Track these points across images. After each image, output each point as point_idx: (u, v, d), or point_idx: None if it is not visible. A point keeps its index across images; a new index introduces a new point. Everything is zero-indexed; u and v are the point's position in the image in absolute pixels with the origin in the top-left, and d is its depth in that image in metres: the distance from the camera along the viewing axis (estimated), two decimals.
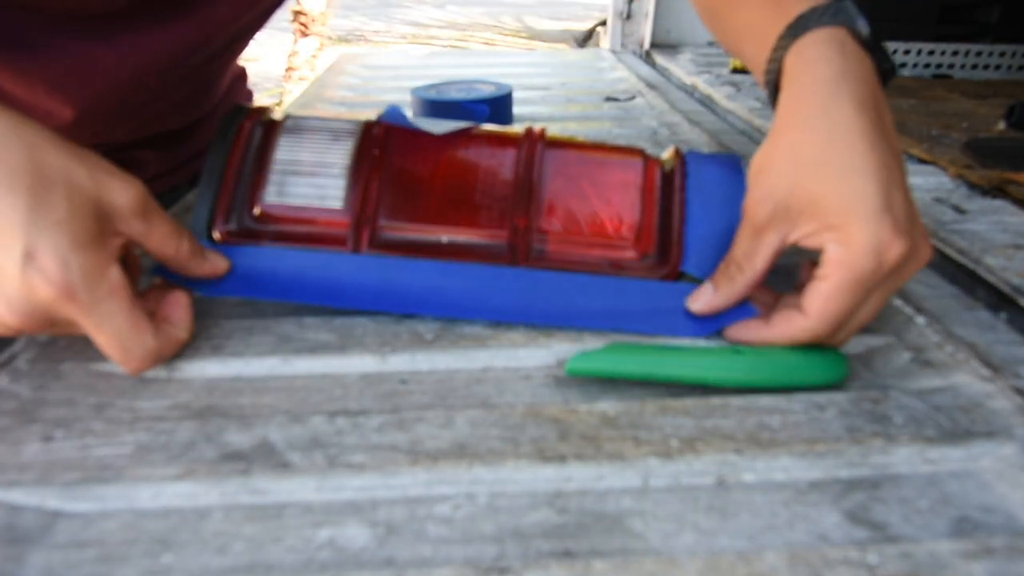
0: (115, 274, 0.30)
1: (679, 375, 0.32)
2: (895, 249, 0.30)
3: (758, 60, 0.37)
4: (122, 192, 0.30)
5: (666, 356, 0.32)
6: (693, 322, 0.36)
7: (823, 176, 0.31)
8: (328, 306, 0.37)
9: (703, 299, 0.35)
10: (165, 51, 0.45)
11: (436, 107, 0.70)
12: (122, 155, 0.52)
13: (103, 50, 0.43)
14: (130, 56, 0.44)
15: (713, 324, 0.36)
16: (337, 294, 0.37)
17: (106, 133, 0.49)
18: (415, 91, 0.73)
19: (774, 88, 0.36)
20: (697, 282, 0.38)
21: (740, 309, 0.36)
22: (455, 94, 0.71)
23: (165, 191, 0.55)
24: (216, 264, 0.36)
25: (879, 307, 0.32)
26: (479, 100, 0.69)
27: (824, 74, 0.32)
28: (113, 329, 0.29)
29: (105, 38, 0.42)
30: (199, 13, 0.45)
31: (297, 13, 3.53)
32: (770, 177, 0.33)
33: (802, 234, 0.32)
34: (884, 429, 0.29)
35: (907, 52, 1.03)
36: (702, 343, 0.35)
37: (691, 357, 0.32)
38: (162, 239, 0.32)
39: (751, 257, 0.34)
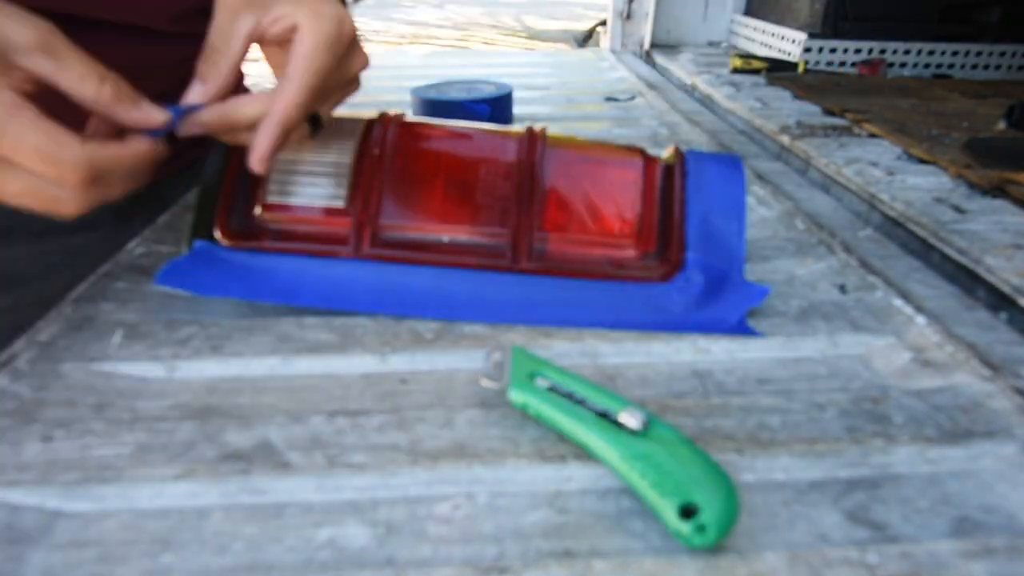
0: (8, 96, 0.28)
1: (580, 440, 0.28)
2: (350, 24, 0.35)
3: None
4: (19, 28, 0.28)
5: (575, 416, 0.28)
6: (691, 319, 0.36)
7: None
8: (329, 308, 0.37)
9: (193, 93, 0.34)
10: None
11: (436, 107, 0.70)
12: None
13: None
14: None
15: (711, 322, 0.36)
16: (338, 297, 0.37)
17: None
18: (415, 91, 0.73)
19: None
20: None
21: (751, 293, 0.36)
22: (455, 94, 0.71)
23: (147, 183, 0.55)
24: (149, 115, 0.32)
25: (342, 95, 0.37)
26: (480, 100, 0.69)
27: None
28: (30, 145, 0.28)
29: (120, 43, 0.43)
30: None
31: None
32: None
33: (275, 16, 0.35)
34: (884, 429, 0.29)
35: (907, 52, 1.03)
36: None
37: (595, 426, 0.27)
38: (76, 79, 0.30)
39: (228, 39, 0.35)
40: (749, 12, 1.24)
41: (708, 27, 1.27)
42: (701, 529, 0.23)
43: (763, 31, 1.15)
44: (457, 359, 0.34)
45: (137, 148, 0.32)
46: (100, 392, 0.31)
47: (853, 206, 0.56)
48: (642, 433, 0.26)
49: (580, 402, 0.28)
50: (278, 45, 0.36)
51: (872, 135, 0.69)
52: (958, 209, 0.51)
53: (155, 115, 0.32)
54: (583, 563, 0.23)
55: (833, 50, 1.03)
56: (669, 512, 0.24)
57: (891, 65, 1.04)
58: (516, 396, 0.29)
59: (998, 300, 0.41)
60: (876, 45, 1.03)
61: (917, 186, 0.55)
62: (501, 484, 0.27)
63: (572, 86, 0.96)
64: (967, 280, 0.44)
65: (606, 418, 0.27)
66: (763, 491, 0.27)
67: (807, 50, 1.03)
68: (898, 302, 0.39)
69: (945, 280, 0.44)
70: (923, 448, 0.28)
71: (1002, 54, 1.05)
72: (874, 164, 0.60)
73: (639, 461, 0.25)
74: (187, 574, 0.23)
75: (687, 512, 0.24)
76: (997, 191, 0.54)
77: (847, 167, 0.59)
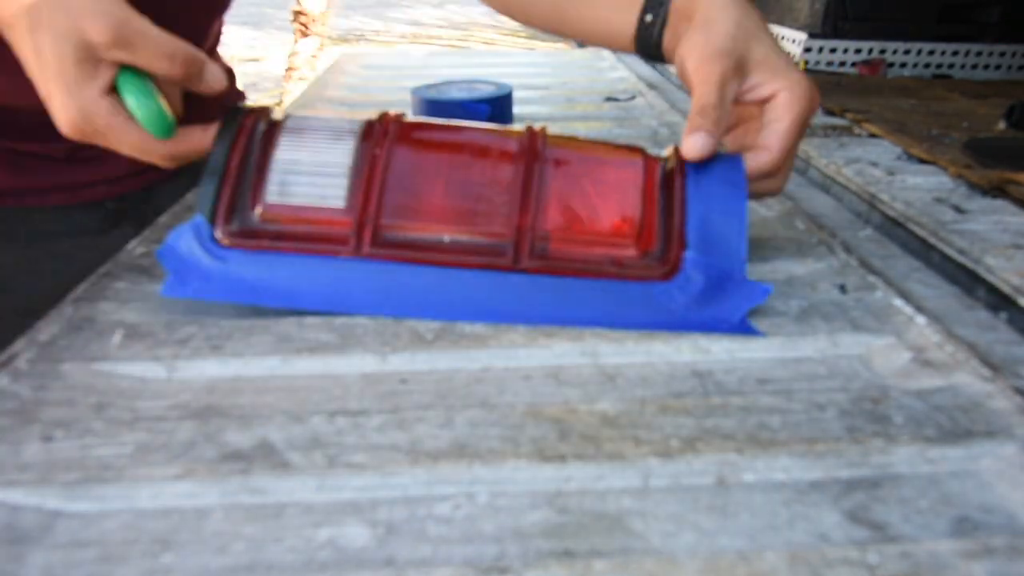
0: (104, 108, 0.35)
1: None
2: (817, 97, 0.40)
3: (624, 23, 0.45)
4: (95, 27, 0.33)
5: None
6: (692, 318, 0.36)
7: (762, 45, 0.40)
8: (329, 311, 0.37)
9: (698, 145, 0.38)
10: None
11: (436, 107, 0.70)
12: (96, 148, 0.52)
13: None
14: None
15: (712, 321, 0.36)
16: (340, 300, 0.37)
17: None
18: (415, 91, 0.73)
19: (660, 27, 0.44)
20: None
21: (752, 292, 0.37)
22: (455, 94, 0.71)
23: (138, 189, 0.56)
24: (213, 78, 0.38)
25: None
26: (480, 100, 0.69)
27: None
28: (127, 146, 0.37)
29: None
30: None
31: (297, 13, 3.53)
32: (719, 42, 0.40)
33: (753, 83, 0.40)
34: (884, 429, 0.29)
35: (907, 52, 1.03)
36: None
37: None
38: (150, 60, 0.35)
39: (722, 101, 0.39)
40: None
41: None
42: None
43: None
44: (457, 359, 0.34)
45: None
46: (100, 392, 0.31)
47: (853, 206, 0.56)
48: None
49: None
50: (745, 106, 0.41)
51: (872, 135, 0.69)
52: (958, 209, 0.51)
53: (218, 79, 0.38)
54: (583, 563, 0.23)
55: (833, 50, 1.03)
56: None
57: (891, 65, 1.04)
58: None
59: (998, 300, 0.41)
60: (876, 45, 1.03)
61: (917, 186, 0.55)
62: (501, 484, 0.27)
63: (572, 86, 0.96)
64: (967, 280, 0.44)
65: None
66: (763, 491, 0.27)
67: (807, 50, 1.03)
68: (898, 302, 0.39)
69: (945, 280, 0.44)
70: (923, 448, 0.28)
71: (1002, 54, 1.05)
72: (874, 164, 0.60)
73: None
74: (187, 574, 0.23)
75: None
76: (997, 191, 0.54)
77: (847, 167, 0.59)
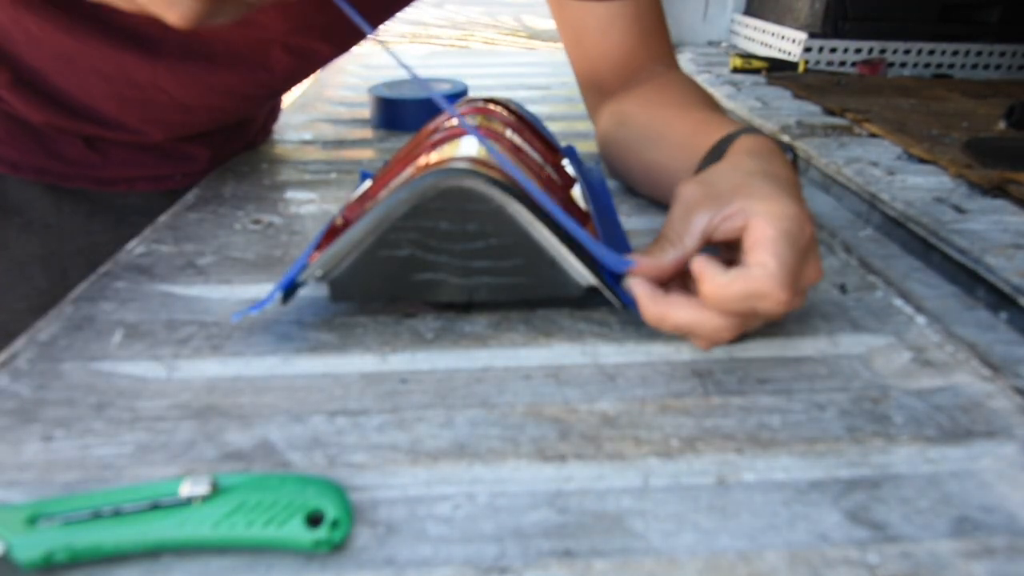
0: None
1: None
2: (810, 228, 0.33)
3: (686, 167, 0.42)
4: None
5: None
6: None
7: (753, 178, 0.35)
8: None
9: (638, 264, 0.34)
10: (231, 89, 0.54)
11: (396, 106, 0.73)
12: (177, 150, 0.59)
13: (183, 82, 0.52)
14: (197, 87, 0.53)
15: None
16: None
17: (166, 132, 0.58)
18: (372, 89, 0.77)
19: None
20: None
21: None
22: (412, 93, 0.75)
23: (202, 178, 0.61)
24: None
25: (808, 284, 0.34)
26: (447, 96, 0.73)
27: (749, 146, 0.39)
28: None
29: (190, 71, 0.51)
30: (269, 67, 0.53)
31: None
32: (702, 176, 0.37)
33: (730, 212, 0.33)
34: (884, 429, 0.29)
35: (907, 52, 1.03)
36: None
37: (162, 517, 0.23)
38: None
39: (682, 235, 0.34)
40: (749, 12, 1.24)
41: (708, 27, 1.26)
42: (336, 525, 0.23)
43: (763, 31, 1.15)
44: (457, 359, 0.34)
45: None
46: (100, 392, 0.31)
47: (853, 206, 0.56)
48: (217, 492, 0.23)
49: (116, 513, 0.23)
50: (726, 244, 0.34)
51: (872, 135, 0.69)
52: (958, 209, 0.51)
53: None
54: (583, 563, 0.23)
55: (833, 50, 1.03)
56: (299, 531, 0.23)
57: (891, 65, 1.04)
58: (26, 552, 0.22)
59: (998, 300, 0.41)
60: (876, 45, 1.03)
61: (917, 186, 0.55)
62: (501, 484, 0.27)
63: (572, 86, 0.96)
64: (967, 280, 0.44)
65: (161, 507, 0.23)
66: (763, 491, 0.27)
67: (807, 50, 1.03)
68: (898, 302, 0.39)
69: (945, 280, 0.44)
70: (923, 448, 0.28)
71: (1002, 54, 1.05)
72: (874, 164, 0.60)
73: (237, 514, 0.23)
74: (187, 574, 0.23)
75: (315, 521, 0.23)
76: (997, 191, 0.54)
77: (847, 167, 0.59)
